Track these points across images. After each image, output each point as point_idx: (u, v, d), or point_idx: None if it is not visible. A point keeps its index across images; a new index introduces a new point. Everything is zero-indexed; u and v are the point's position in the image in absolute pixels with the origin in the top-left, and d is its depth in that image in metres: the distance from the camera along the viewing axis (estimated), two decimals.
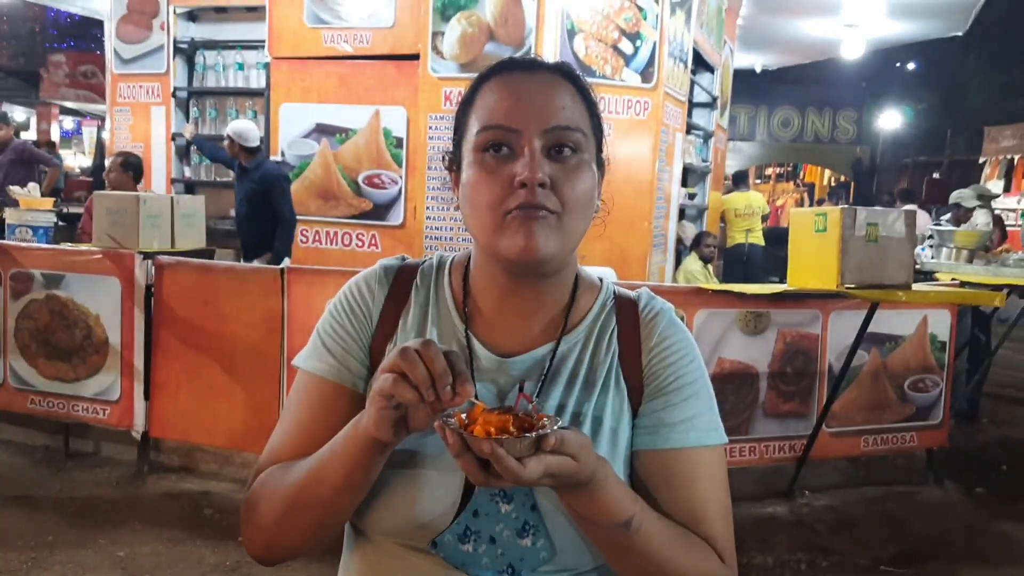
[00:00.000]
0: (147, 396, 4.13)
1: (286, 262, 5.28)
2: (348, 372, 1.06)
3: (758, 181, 22.03)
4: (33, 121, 16.42)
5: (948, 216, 7.19)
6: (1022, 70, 17.92)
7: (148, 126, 6.45)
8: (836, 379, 4.08)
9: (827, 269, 3.70)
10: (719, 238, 9.07)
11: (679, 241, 6.66)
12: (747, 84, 12.21)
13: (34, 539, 3.49)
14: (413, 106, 5.38)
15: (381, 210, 5.56)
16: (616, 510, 0.91)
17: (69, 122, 17.61)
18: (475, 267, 1.08)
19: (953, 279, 4.84)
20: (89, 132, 17.04)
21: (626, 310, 1.09)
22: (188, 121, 6.48)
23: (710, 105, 7.45)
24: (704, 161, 7.31)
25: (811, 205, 20.86)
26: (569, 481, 0.86)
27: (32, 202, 5.50)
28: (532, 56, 1.07)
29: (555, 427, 0.83)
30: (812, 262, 3.80)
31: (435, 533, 0.98)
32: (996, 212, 8.58)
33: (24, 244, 4.81)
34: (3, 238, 5.11)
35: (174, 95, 6.44)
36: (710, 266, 6.80)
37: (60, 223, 6.17)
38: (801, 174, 24.00)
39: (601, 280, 1.14)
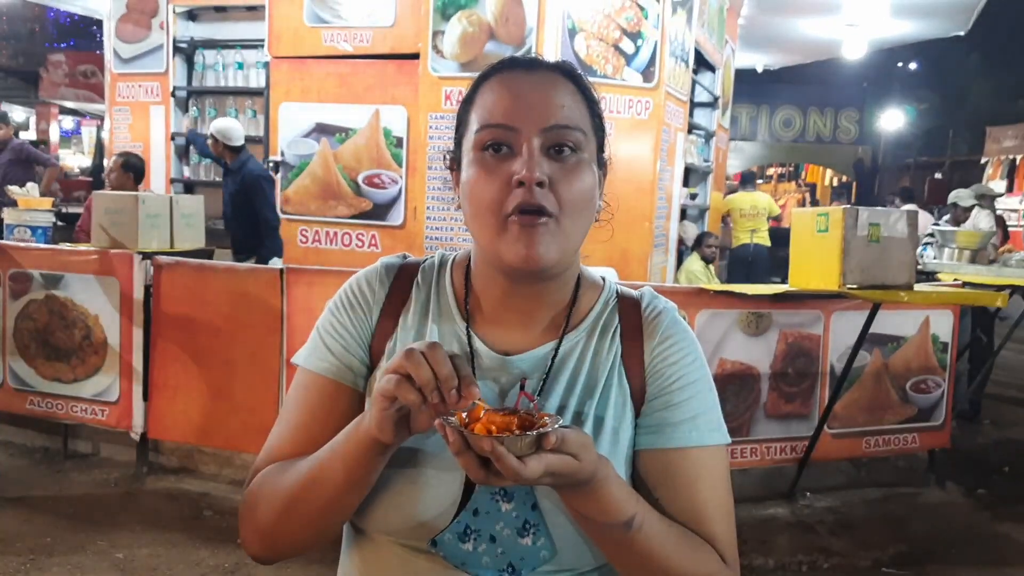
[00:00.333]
0: (146, 397, 4.12)
1: (276, 262, 5.27)
2: (348, 370, 1.05)
3: (760, 181, 21.99)
4: (33, 121, 16.40)
5: (947, 217, 7.17)
6: None
7: (147, 126, 6.44)
8: (838, 380, 4.07)
9: (829, 269, 3.68)
10: (723, 238, 9.08)
11: (680, 241, 6.65)
12: (748, 84, 12.19)
13: (32, 541, 3.48)
14: (413, 105, 5.37)
15: (381, 210, 5.55)
16: (617, 509, 0.91)
17: (69, 122, 17.60)
18: (476, 266, 1.07)
19: (955, 280, 4.83)
20: (89, 132, 17.04)
21: (629, 309, 1.09)
22: (185, 117, 6.47)
23: (711, 105, 7.43)
24: (706, 161, 7.29)
25: (813, 205, 20.85)
26: (570, 480, 0.85)
27: (31, 202, 5.49)
28: (533, 55, 1.06)
29: (556, 426, 0.83)
30: (814, 262, 3.79)
31: (435, 532, 0.97)
32: (998, 212, 8.55)
33: (23, 244, 4.81)
34: (2, 238, 5.10)
35: (173, 94, 6.42)
36: (711, 266, 6.78)
37: (59, 223, 6.16)
38: (803, 174, 23.98)
39: (604, 279, 1.13)
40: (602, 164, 1.05)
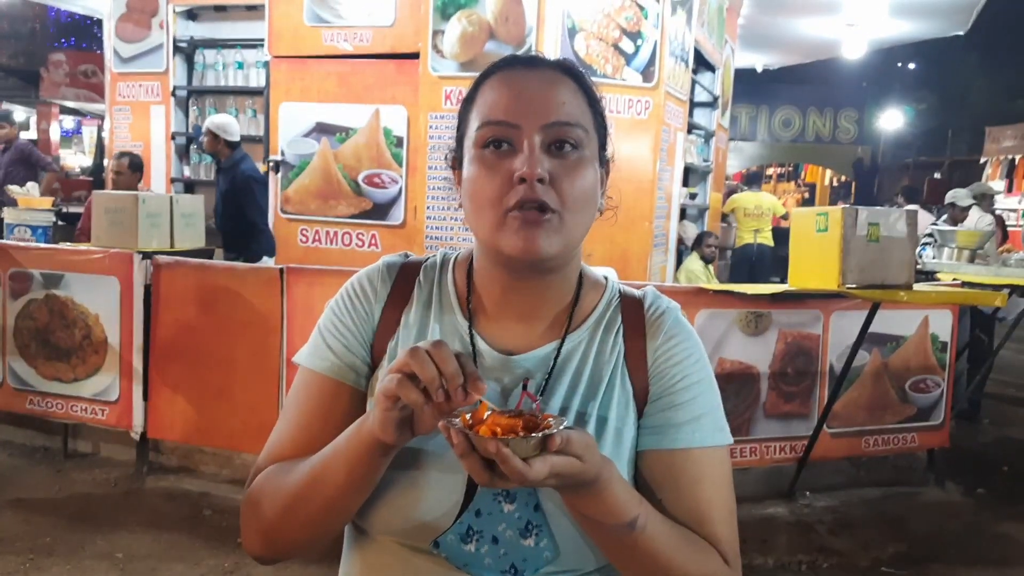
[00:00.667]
0: (146, 396, 4.12)
1: (267, 262, 5.27)
2: (349, 370, 1.05)
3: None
4: (33, 121, 16.40)
5: (945, 216, 7.17)
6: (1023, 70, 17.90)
7: (147, 125, 6.44)
8: (837, 379, 4.07)
9: (828, 269, 3.68)
10: (727, 237, 9.09)
11: (680, 241, 6.65)
12: (748, 84, 12.20)
13: (32, 540, 3.48)
14: (413, 105, 5.36)
15: (381, 209, 5.55)
16: (621, 510, 0.91)
17: (69, 122, 17.61)
18: (478, 264, 1.07)
19: (954, 279, 4.83)
20: (89, 132, 17.04)
21: (631, 309, 1.08)
22: (187, 118, 6.48)
23: (711, 104, 7.43)
24: (705, 161, 7.29)
25: (812, 205, 20.85)
26: (574, 481, 0.85)
27: (31, 201, 5.49)
28: (534, 53, 1.07)
29: (560, 427, 0.82)
30: (813, 262, 3.79)
31: (437, 533, 0.97)
32: (998, 212, 8.55)
33: (23, 243, 4.80)
34: (2, 237, 5.10)
35: (174, 94, 6.42)
36: (711, 266, 6.79)
37: (59, 223, 6.16)
38: (802, 174, 23.99)
39: (606, 278, 1.13)
40: (604, 162, 1.05)
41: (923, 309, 4.31)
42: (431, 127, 5.31)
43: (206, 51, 6.51)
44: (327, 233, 5.67)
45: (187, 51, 6.51)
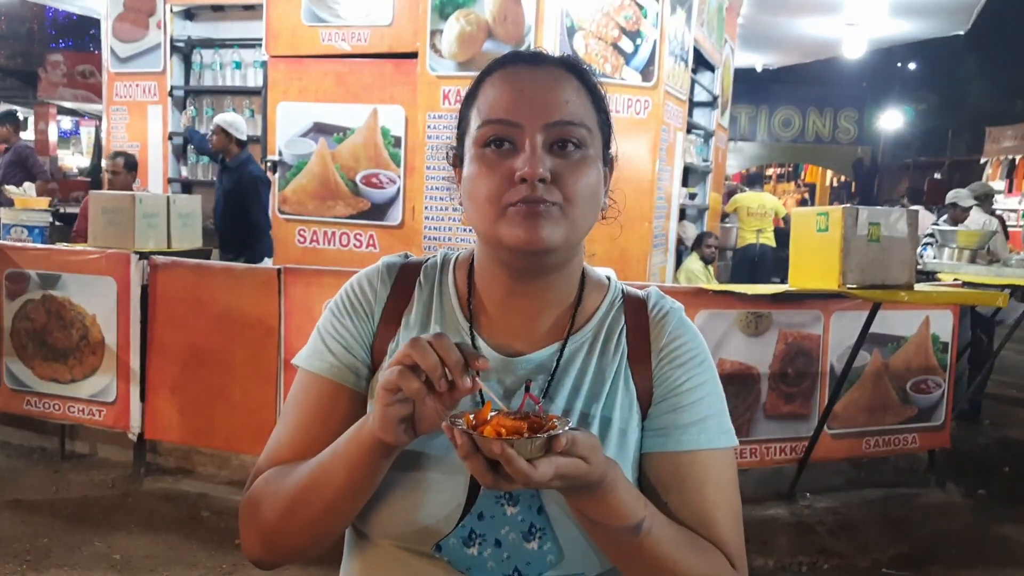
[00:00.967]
0: (143, 397, 4.10)
1: (266, 263, 5.26)
2: (349, 372, 1.04)
3: None
4: (31, 121, 16.38)
5: (945, 216, 7.16)
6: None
7: (145, 125, 6.42)
8: (838, 380, 4.06)
9: (829, 269, 3.67)
10: (727, 238, 9.08)
11: (680, 241, 6.63)
12: (748, 84, 12.20)
13: (29, 542, 3.47)
14: (411, 105, 5.35)
15: (379, 210, 5.53)
16: (626, 513, 0.89)
17: (67, 122, 17.58)
18: (479, 264, 1.05)
19: (955, 279, 4.81)
20: (87, 132, 17.02)
21: (635, 309, 1.07)
22: (183, 115, 6.47)
23: (711, 104, 7.42)
24: (705, 161, 7.27)
25: (812, 205, 20.84)
26: (579, 483, 0.84)
27: (27, 202, 5.48)
28: (538, 50, 1.04)
29: (565, 428, 0.81)
30: (813, 262, 3.77)
31: (439, 536, 0.96)
32: (998, 213, 8.53)
33: (20, 244, 4.79)
34: None
35: (171, 94, 6.41)
36: (711, 267, 6.77)
37: (57, 223, 6.15)
38: (802, 175, 24.00)
39: (609, 279, 1.12)
40: (608, 161, 1.03)
41: (924, 309, 4.30)
42: (429, 127, 5.29)
43: (203, 51, 6.50)
44: (325, 234, 5.65)
45: (184, 51, 6.50)
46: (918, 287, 3.89)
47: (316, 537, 0.98)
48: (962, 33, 8.98)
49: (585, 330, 1.05)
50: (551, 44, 5.03)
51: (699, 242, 6.72)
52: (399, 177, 5.47)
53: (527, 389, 0.92)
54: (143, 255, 4.10)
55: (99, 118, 12.76)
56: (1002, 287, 4.55)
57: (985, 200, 7.14)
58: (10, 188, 5.85)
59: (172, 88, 6.41)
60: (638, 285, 1.15)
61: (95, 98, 12.18)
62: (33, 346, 4.31)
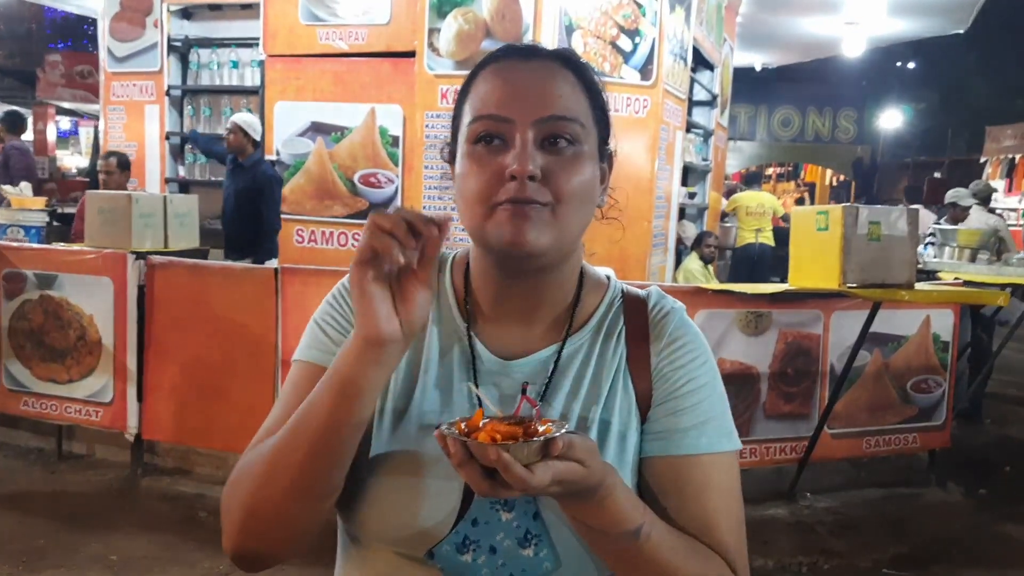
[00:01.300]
0: (140, 398, 4.09)
1: (272, 263, 5.24)
2: None
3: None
4: (30, 122, 16.36)
5: (945, 216, 7.15)
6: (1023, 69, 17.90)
7: (142, 125, 6.40)
8: (838, 380, 4.05)
9: (829, 268, 3.66)
10: (727, 237, 9.07)
11: (679, 241, 6.61)
12: (747, 83, 12.18)
13: (25, 543, 3.45)
14: (409, 104, 5.33)
15: (377, 209, 5.51)
16: (625, 519, 0.87)
17: (66, 122, 17.55)
18: (473, 264, 1.03)
19: (956, 278, 4.80)
20: (86, 132, 16.97)
21: (635, 309, 1.04)
22: (182, 117, 6.45)
23: (710, 103, 7.40)
24: (704, 160, 7.26)
25: (812, 205, 20.82)
26: (577, 488, 0.81)
27: (24, 201, 5.46)
28: (532, 43, 1.01)
29: (562, 431, 0.79)
30: (814, 261, 3.76)
31: (433, 542, 0.93)
32: (998, 212, 8.52)
33: (16, 244, 4.77)
34: None
35: (168, 93, 6.39)
36: (711, 266, 6.75)
37: (55, 223, 6.13)
38: (802, 174, 23.98)
39: (608, 278, 1.09)
40: (605, 157, 1.00)
41: (925, 308, 4.28)
42: (427, 126, 5.27)
43: (201, 50, 6.48)
44: (323, 233, 5.63)
45: (182, 50, 6.48)
46: (919, 286, 3.88)
47: (300, 501, 0.90)
48: (962, 32, 8.95)
49: (583, 331, 1.02)
50: (549, 43, 5.00)
51: (699, 242, 6.70)
52: (397, 177, 5.45)
53: (524, 392, 0.90)
54: (140, 255, 4.09)
55: (98, 118, 12.74)
56: (1003, 286, 4.53)
57: (986, 199, 7.13)
58: (6, 188, 5.83)
59: (169, 88, 6.39)
60: (638, 285, 1.12)
61: (94, 98, 12.14)
62: (31, 346, 4.30)
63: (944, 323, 4.37)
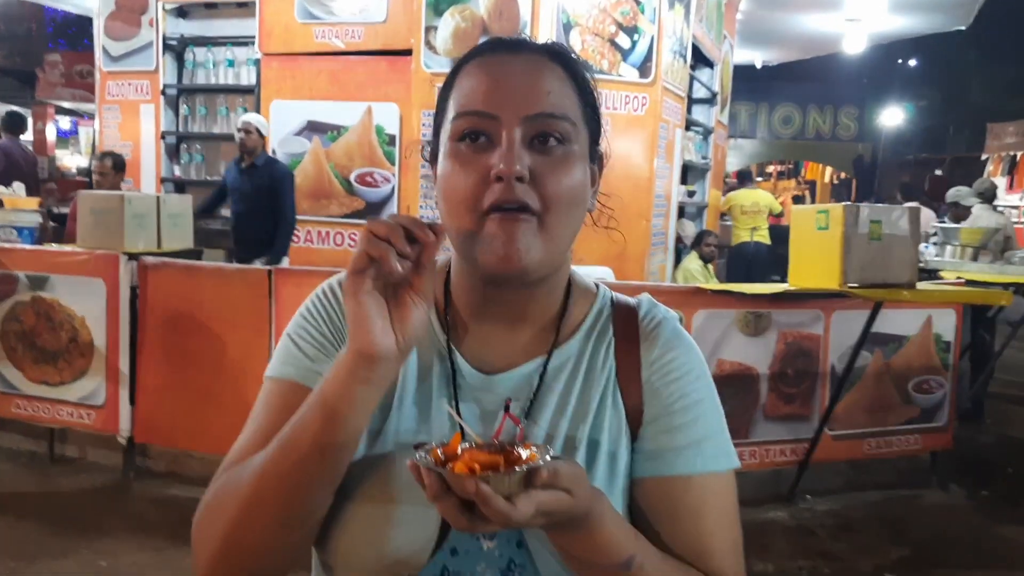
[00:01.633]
0: (133, 400, 4.05)
1: (285, 262, 5.19)
2: (320, 377, 0.93)
3: (759, 179, 21.94)
4: (29, 122, 16.34)
5: (947, 216, 7.10)
6: None
7: (137, 124, 6.37)
8: (838, 381, 4.01)
9: (829, 268, 3.62)
10: (722, 237, 9.02)
11: (679, 240, 6.57)
12: (747, 81, 12.13)
13: (15, 548, 3.41)
14: (406, 102, 5.30)
15: (374, 209, 5.48)
16: (614, 549, 0.81)
17: (65, 122, 17.53)
18: (454, 272, 0.97)
19: (958, 278, 4.75)
20: (86, 132, 16.94)
21: (625, 319, 0.98)
22: (178, 117, 6.41)
23: (710, 101, 7.36)
24: (704, 158, 7.22)
25: (812, 202, 20.78)
26: (563, 518, 0.75)
27: (16, 202, 5.42)
28: (520, 36, 0.95)
29: (547, 457, 0.73)
30: (814, 261, 3.72)
31: (409, 572, 0.87)
32: (999, 209, 8.46)
33: (8, 245, 4.74)
34: None
35: (163, 92, 6.35)
36: (710, 266, 6.70)
37: (52, 224, 6.09)
38: (802, 172, 23.93)
39: (597, 285, 1.02)
40: (596, 158, 0.95)
41: (926, 308, 4.24)
42: (424, 125, 5.25)
43: (196, 49, 6.44)
44: (319, 233, 5.60)
45: (177, 49, 6.44)
46: (920, 286, 3.84)
47: (286, 530, 0.85)
48: (963, 28, 8.91)
49: (571, 343, 0.96)
50: (546, 40, 4.98)
51: (699, 241, 6.65)
52: (394, 176, 5.42)
53: (507, 410, 0.84)
54: (132, 256, 4.05)
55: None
56: (1006, 285, 4.49)
57: (991, 197, 7.08)
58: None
59: (165, 87, 6.36)
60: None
61: (93, 98, 12.15)
62: (22, 348, 4.26)
63: (946, 323, 4.33)
